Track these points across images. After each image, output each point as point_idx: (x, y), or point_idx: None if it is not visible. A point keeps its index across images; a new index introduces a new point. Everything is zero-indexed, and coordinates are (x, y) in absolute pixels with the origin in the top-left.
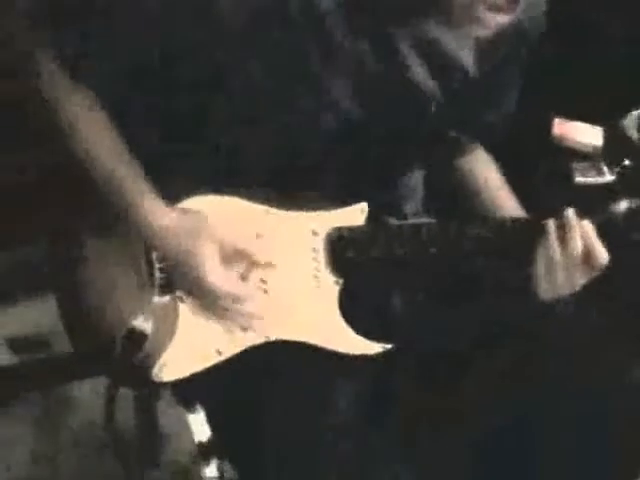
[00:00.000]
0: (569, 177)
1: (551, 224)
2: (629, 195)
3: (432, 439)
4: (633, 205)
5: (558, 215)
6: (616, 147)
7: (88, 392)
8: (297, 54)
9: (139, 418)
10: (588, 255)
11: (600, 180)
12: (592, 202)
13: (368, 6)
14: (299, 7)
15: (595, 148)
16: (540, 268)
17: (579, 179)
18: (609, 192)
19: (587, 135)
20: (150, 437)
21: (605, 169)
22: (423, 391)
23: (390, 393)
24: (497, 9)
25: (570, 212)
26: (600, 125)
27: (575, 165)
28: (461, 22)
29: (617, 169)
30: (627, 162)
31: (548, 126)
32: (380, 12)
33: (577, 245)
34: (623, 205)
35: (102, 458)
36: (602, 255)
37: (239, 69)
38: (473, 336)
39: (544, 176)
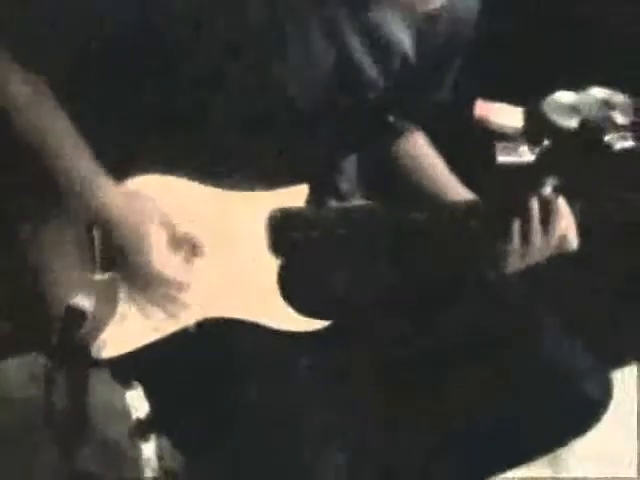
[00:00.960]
0: (492, 157)
1: (534, 203)
2: (548, 174)
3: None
4: (556, 183)
5: (538, 196)
6: (536, 128)
7: (19, 369)
8: (251, 36)
9: (72, 396)
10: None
11: (521, 160)
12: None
13: None
14: None
15: (516, 129)
16: (515, 244)
17: (501, 159)
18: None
19: (508, 116)
20: (83, 416)
21: (526, 149)
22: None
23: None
24: None
25: (550, 192)
26: (521, 106)
27: (497, 145)
28: None
29: (537, 149)
30: (546, 142)
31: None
32: None
33: (557, 226)
34: (550, 184)
35: (32, 438)
36: (573, 237)
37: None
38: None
39: (468, 157)
